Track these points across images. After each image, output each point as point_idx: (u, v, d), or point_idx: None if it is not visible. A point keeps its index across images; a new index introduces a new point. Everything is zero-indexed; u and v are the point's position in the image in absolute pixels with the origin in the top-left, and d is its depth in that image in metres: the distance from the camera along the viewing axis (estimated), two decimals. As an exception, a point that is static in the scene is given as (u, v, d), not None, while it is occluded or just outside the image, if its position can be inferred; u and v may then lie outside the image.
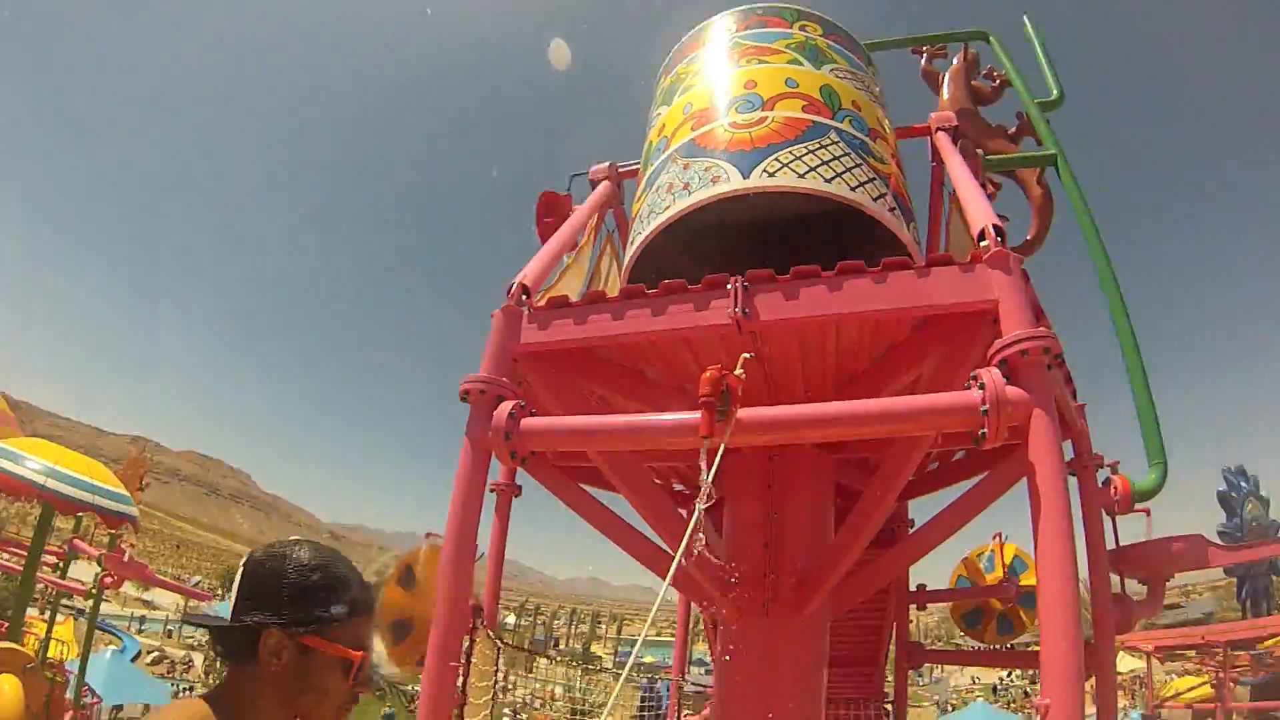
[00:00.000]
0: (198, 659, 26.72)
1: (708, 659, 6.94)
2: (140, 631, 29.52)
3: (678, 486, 4.63)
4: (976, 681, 38.17)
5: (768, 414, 2.23)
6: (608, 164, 4.03)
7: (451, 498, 2.62)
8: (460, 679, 2.71)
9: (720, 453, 2.04)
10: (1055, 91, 4.31)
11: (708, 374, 2.02)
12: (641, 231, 3.17)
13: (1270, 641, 8.68)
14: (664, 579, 3.23)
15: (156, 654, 25.06)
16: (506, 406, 2.51)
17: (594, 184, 3.98)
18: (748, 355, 2.04)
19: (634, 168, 3.82)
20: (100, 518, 6.78)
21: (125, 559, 7.94)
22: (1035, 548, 2.11)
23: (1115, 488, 3.44)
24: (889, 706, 5.60)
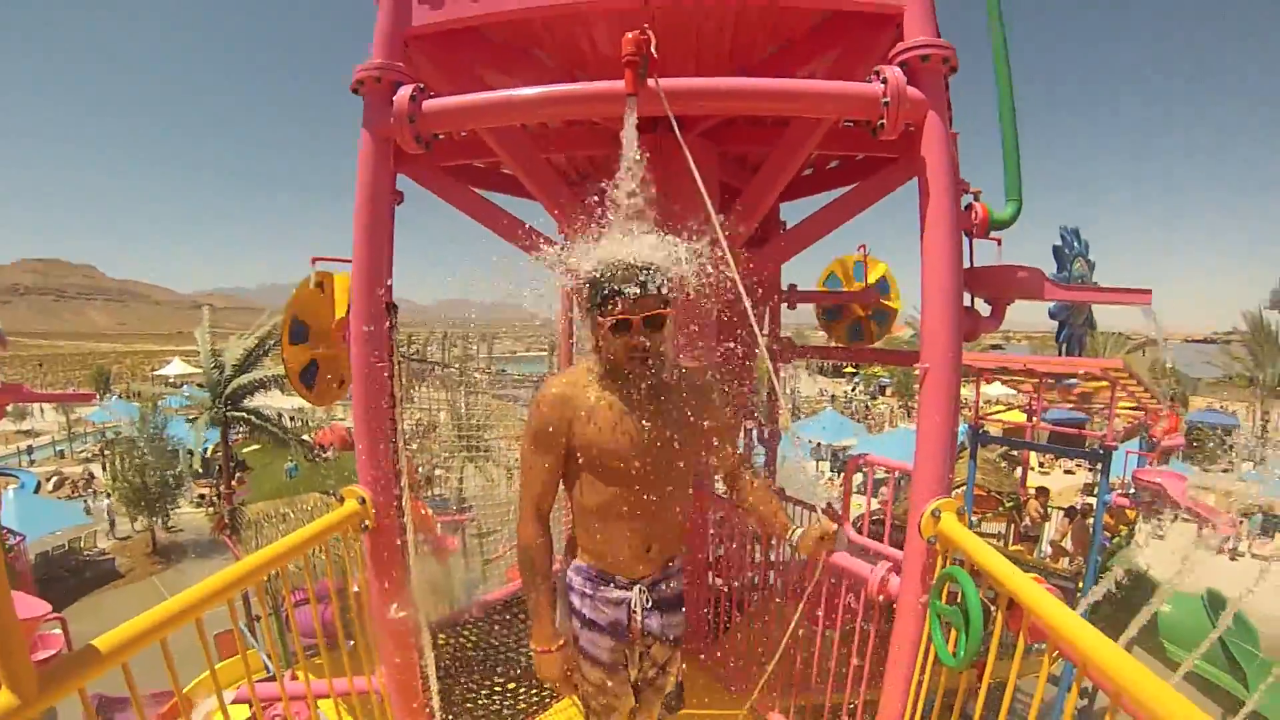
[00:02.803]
0: (97, 469, 25.97)
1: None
2: (32, 463, 28.34)
3: None
4: (824, 394, 42.36)
5: (686, 82, 2.22)
6: None
7: (356, 196, 2.51)
8: (389, 377, 2.73)
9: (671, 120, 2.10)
10: None
11: (630, 35, 2.01)
12: None
13: (1079, 379, 10.12)
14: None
15: (55, 478, 24.17)
16: (407, 90, 2.36)
17: None
18: (647, 26, 2.04)
19: None
20: (-33, 344, 6.00)
21: (-1, 387, 7.25)
22: (921, 236, 2.32)
23: (976, 213, 3.75)
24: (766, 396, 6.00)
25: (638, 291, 1.80)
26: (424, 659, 2.87)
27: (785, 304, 5.70)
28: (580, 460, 1.96)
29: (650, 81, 2.07)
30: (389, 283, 2.62)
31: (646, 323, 1.83)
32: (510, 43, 2.91)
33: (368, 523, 2.57)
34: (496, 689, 3.67)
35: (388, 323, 2.61)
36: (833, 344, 6.07)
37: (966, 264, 3.77)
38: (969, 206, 3.78)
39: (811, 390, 44.04)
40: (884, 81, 2.23)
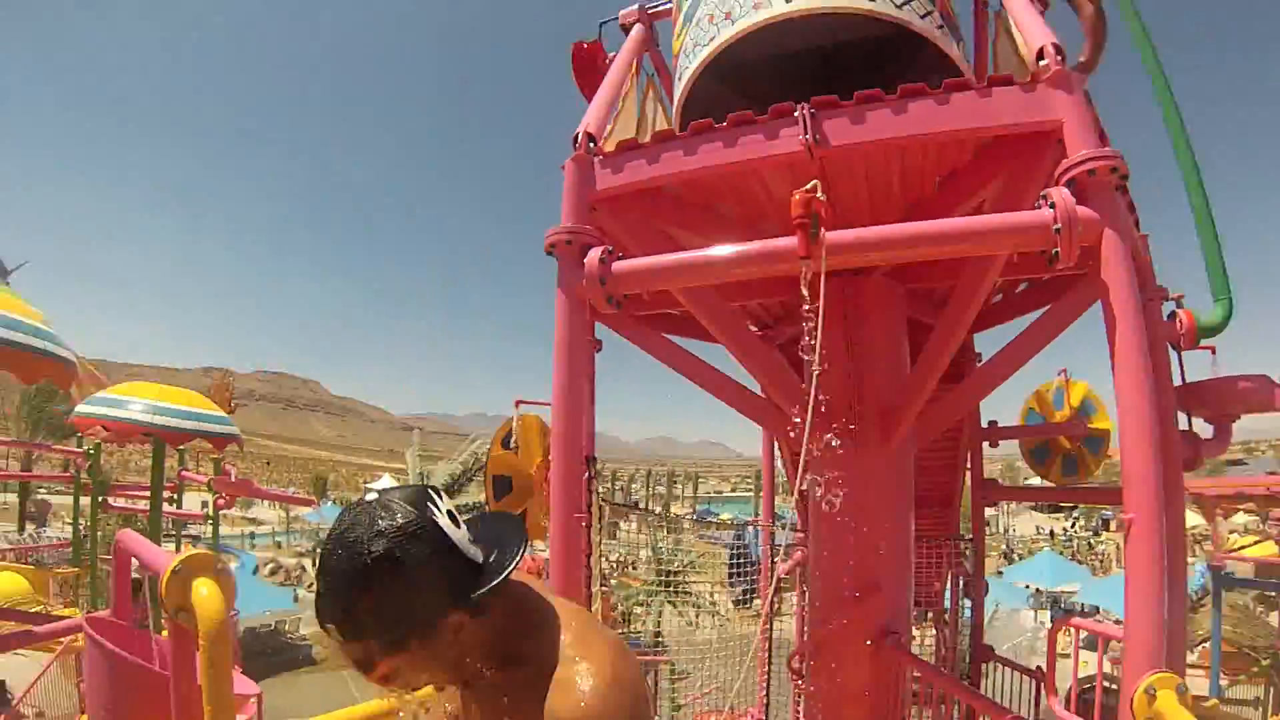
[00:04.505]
0: (308, 564, 28.79)
1: (788, 512, 6.93)
2: (253, 546, 32.83)
3: (751, 328, 4.63)
4: (1041, 531, 38.73)
5: (856, 235, 2.25)
6: (636, 7, 3.80)
7: (554, 353, 2.67)
8: (587, 528, 2.81)
9: (822, 277, 2.08)
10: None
11: (797, 196, 2.05)
12: (687, 67, 3.09)
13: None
14: (750, 417, 3.37)
15: (271, 564, 27.38)
16: (597, 252, 2.53)
17: (625, 29, 3.79)
18: (816, 182, 2.07)
19: (665, 8, 3.70)
20: (209, 441, 7.03)
21: (232, 478, 8.53)
22: (1112, 366, 2.15)
23: (1181, 321, 3.32)
24: (967, 545, 5.63)
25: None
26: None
27: (988, 442, 5.38)
28: None
29: (822, 232, 2.10)
30: (588, 433, 2.74)
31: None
32: (691, 199, 3.08)
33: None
34: None
35: (586, 474, 2.71)
36: (1044, 483, 5.53)
37: (1178, 380, 3.42)
38: (1172, 315, 3.44)
39: (1027, 528, 40.04)
40: (1052, 206, 2.13)
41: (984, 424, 5.34)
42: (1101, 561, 28.66)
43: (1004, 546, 33.98)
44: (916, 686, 3.40)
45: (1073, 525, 38.01)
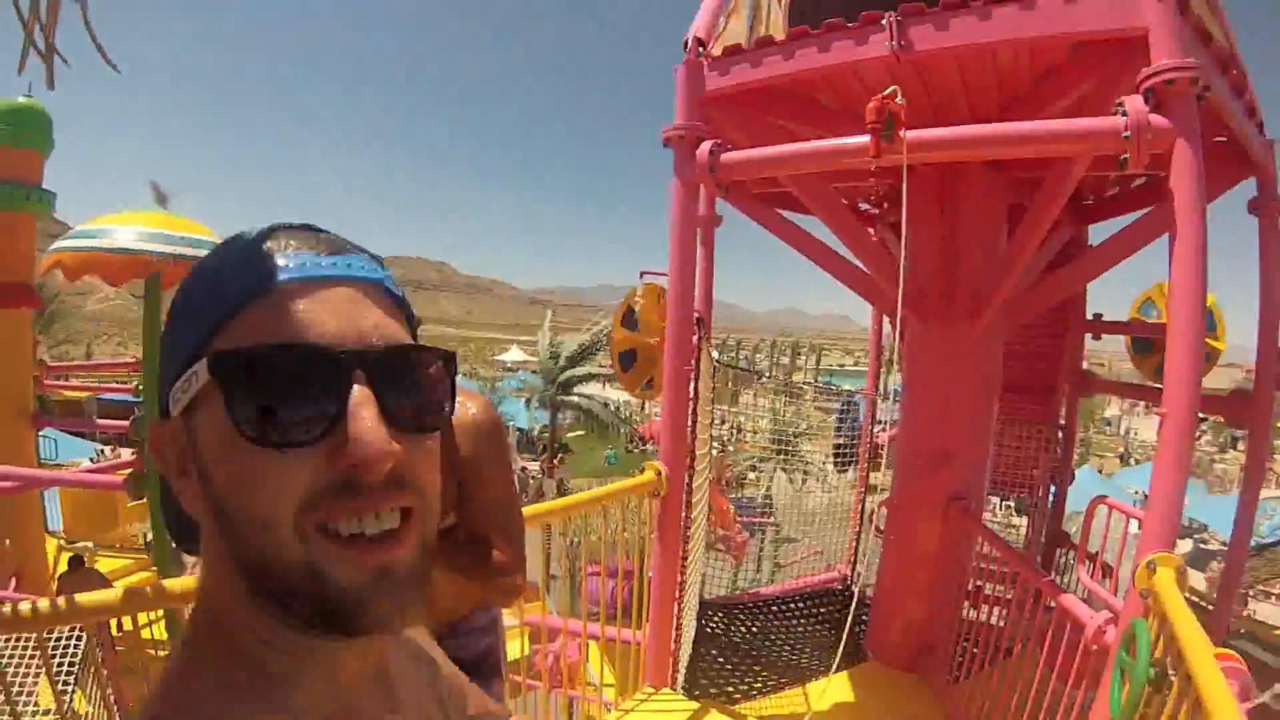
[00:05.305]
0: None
1: (899, 386, 7.11)
2: None
3: (864, 206, 4.91)
4: None
5: (925, 135, 2.43)
6: None
7: (669, 231, 3.10)
8: (692, 382, 3.20)
9: (905, 171, 2.33)
10: None
11: (871, 103, 2.29)
12: None
13: None
14: (857, 292, 3.67)
15: None
16: (707, 145, 2.90)
17: None
18: (894, 88, 2.29)
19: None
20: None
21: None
22: (1169, 272, 2.22)
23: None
24: (1060, 432, 5.56)
25: None
26: (683, 622, 3.29)
27: (1089, 334, 5.35)
28: None
29: (902, 133, 2.33)
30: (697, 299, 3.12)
31: None
32: (796, 93, 3.33)
33: (660, 491, 3.14)
34: (740, 669, 3.90)
35: (695, 334, 3.16)
36: (1145, 381, 5.44)
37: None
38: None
39: (1151, 434, 37.33)
40: (1125, 114, 2.19)
41: (1090, 316, 5.29)
42: (1220, 480, 26.83)
43: (1122, 449, 32.29)
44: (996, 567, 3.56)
45: (1198, 439, 35.29)
